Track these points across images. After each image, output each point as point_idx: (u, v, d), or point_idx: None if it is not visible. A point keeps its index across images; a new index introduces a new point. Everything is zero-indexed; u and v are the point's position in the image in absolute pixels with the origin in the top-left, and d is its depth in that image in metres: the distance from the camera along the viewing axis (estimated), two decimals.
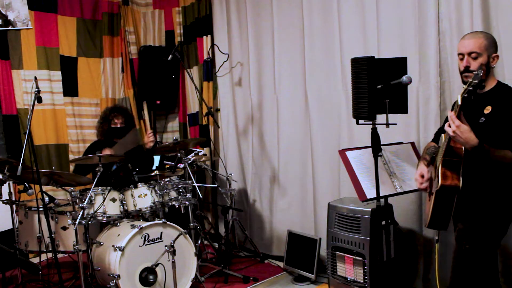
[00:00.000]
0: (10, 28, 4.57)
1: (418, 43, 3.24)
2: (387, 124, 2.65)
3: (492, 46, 2.30)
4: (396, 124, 2.71)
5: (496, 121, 2.22)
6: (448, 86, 3.16)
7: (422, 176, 2.49)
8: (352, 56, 2.88)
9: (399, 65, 2.74)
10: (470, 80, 2.11)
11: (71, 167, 4.90)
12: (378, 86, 2.62)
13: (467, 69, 2.30)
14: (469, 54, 2.29)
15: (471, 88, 2.10)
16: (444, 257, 3.09)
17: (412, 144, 3.16)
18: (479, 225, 2.29)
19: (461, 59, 2.34)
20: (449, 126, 2.15)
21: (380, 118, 2.69)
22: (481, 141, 2.15)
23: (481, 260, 2.29)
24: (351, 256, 3.15)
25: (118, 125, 4.17)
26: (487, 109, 2.26)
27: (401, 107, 2.77)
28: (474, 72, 2.13)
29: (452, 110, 2.23)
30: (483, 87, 2.31)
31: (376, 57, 2.76)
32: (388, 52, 3.35)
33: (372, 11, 3.48)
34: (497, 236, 2.31)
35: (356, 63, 2.78)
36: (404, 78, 2.53)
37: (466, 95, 2.11)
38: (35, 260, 3.88)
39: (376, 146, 2.68)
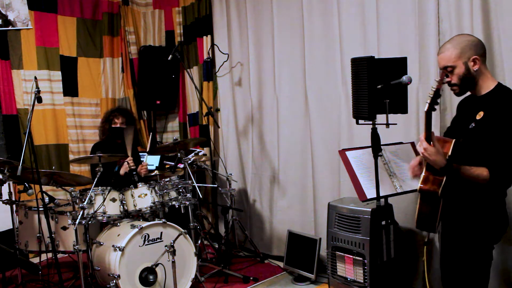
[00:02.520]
0: (10, 28, 4.57)
1: (418, 43, 3.24)
2: (387, 124, 2.65)
3: (465, 51, 2.18)
4: (396, 124, 2.71)
5: (484, 129, 2.14)
6: (448, 86, 3.15)
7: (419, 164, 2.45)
8: (352, 56, 2.88)
9: (399, 65, 2.73)
10: (431, 92, 2.11)
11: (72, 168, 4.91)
12: (378, 86, 2.61)
13: (449, 83, 2.27)
14: (445, 69, 2.23)
15: (430, 99, 2.11)
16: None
17: (412, 144, 3.15)
18: (468, 235, 2.21)
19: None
20: (419, 146, 2.19)
21: (380, 118, 2.69)
22: (465, 154, 2.15)
23: (475, 270, 2.22)
24: (351, 256, 3.15)
25: (118, 125, 4.19)
26: (479, 115, 2.18)
27: (401, 107, 2.77)
28: (432, 87, 2.12)
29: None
30: (470, 87, 2.25)
31: (376, 57, 2.76)
32: (388, 52, 3.35)
33: (372, 11, 3.49)
34: (488, 244, 2.23)
35: (356, 63, 2.78)
36: (404, 78, 2.53)
37: (428, 102, 2.12)
38: (35, 260, 3.88)
39: (376, 146, 2.68)
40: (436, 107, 2.14)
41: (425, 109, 2.14)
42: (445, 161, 2.13)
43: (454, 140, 2.22)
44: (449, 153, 2.18)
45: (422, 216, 2.27)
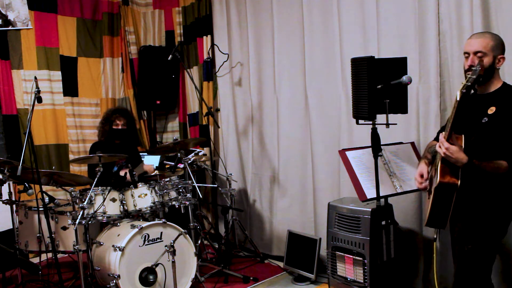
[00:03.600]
0: (10, 28, 4.56)
1: (418, 43, 3.24)
2: (387, 124, 2.65)
3: (498, 47, 2.30)
4: (396, 124, 2.71)
5: (499, 123, 2.23)
6: (448, 86, 3.16)
7: (422, 176, 2.50)
8: (352, 56, 2.88)
9: (399, 65, 2.74)
10: (469, 76, 2.14)
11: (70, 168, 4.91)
12: (378, 86, 2.62)
13: (471, 68, 2.28)
14: (475, 53, 2.28)
15: (469, 84, 2.13)
16: (444, 256, 3.09)
17: (412, 144, 3.16)
18: (479, 225, 2.29)
19: (467, 58, 2.33)
20: (440, 147, 2.23)
21: (380, 118, 2.69)
22: (478, 148, 2.21)
23: (483, 260, 2.29)
24: (351, 256, 3.15)
25: (120, 127, 4.19)
26: (491, 110, 2.27)
27: (401, 107, 2.77)
28: (473, 68, 2.17)
29: (453, 107, 2.21)
30: (481, 82, 2.30)
31: (376, 57, 2.76)
32: (388, 52, 3.35)
33: (372, 11, 3.48)
34: (498, 236, 2.31)
35: (356, 63, 2.78)
36: (404, 78, 2.53)
37: (464, 90, 2.14)
38: (35, 260, 3.88)
39: (376, 146, 2.68)
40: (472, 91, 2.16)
41: (458, 97, 2.16)
42: (467, 157, 2.18)
43: (463, 136, 2.27)
44: (463, 147, 2.24)
45: (434, 213, 2.30)
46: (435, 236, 2.51)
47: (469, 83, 2.13)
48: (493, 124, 2.25)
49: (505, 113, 2.23)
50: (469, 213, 2.33)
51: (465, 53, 2.35)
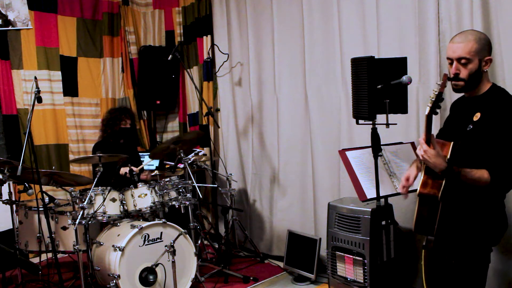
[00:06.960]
0: (10, 28, 4.57)
1: (418, 43, 3.24)
2: (387, 124, 2.65)
3: (484, 49, 2.12)
4: (396, 124, 2.71)
5: (483, 131, 2.10)
6: (448, 86, 3.13)
7: (407, 180, 2.40)
8: (352, 56, 2.88)
9: (399, 65, 2.74)
10: (431, 97, 2.04)
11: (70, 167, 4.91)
12: (378, 86, 2.61)
13: (456, 76, 2.16)
14: (458, 60, 2.13)
15: (430, 105, 2.03)
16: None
17: (412, 144, 3.16)
18: (466, 239, 2.17)
19: (450, 64, 2.19)
20: (419, 149, 2.12)
21: (380, 118, 2.69)
22: (463, 156, 2.10)
23: (469, 276, 2.17)
24: (351, 256, 3.15)
25: (128, 126, 4.20)
26: (476, 116, 2.14)
27: (401, 107, 2.77)
28: (434, 90, 2.04)
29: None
30: (469, 88, 2.18)
31: (376, 57, 2.76)
32: (388, 52, 3.35)
33: (372, 11, 3.48)
34: (486, 249, 2.19)
35: (356, 63, 2.78)
36: (404, 78, 2.53)
37: (430, 107, 2.04)
38: (35, 260, 3.88)
39: (376, 146, 2.69)
40: (438, 110, 2.07)
41: (426, 113, 2.07)
42: (446, 163, 2.07)
43: (452, 143, 2.17)
44: (448, 156, 2.14)
45: (421, 220, 2.21)
46: (424, 243, 2.44)
47: (430, 105, 2.03)
48: (478, 132, 2.12)
49: (489, 120, 2.09)
50: (455, 225, 2.20)
51: (448, 58, 2.19)
